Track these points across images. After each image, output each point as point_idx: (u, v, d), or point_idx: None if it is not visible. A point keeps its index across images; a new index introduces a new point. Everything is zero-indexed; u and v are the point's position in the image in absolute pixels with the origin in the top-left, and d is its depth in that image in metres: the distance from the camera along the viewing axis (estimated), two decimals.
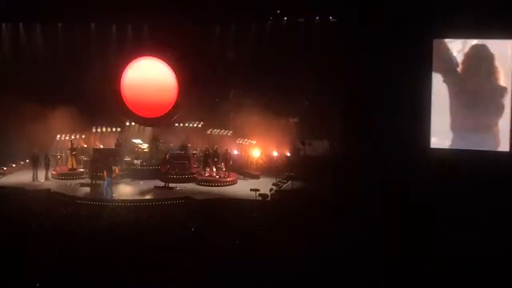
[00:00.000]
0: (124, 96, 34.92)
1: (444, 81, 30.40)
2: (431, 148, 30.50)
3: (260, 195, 28.26)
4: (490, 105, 29.80)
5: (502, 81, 29.54)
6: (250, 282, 17.96)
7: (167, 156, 32.01)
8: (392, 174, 28.03)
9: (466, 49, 30.03)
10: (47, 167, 32.68)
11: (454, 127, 30.30)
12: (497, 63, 29.57)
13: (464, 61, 30.14)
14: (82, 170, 33.37)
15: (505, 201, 24.94)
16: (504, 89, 29.52)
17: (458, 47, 30.09)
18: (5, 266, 18.67)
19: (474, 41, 29.77)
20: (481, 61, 29.84)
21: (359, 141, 30.37)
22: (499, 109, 29.68)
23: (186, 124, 35.85)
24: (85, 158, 33.59)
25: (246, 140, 33.90)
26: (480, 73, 29.95)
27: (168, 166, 31.55)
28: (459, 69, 30.26)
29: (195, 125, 35.72)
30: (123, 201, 29.04)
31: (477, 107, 30.01)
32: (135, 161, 33.70)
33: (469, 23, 28.58)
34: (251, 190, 28.64)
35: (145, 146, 34.35)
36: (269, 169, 32.66)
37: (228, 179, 31.98)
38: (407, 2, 29.32)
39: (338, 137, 32.44)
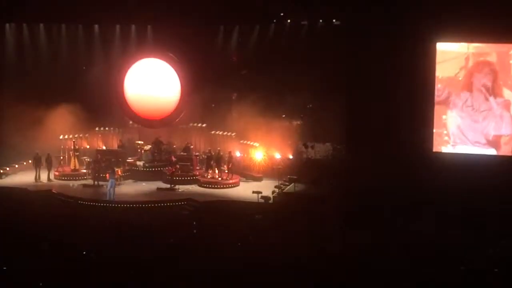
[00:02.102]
0: (126, 97, 34.93)
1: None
2: (434, 152, 30.42)
3: (262, 197, 28.29)
4: (494, 119, 29.66)
5: (506, 95, 29.45)
6: (252, 284, 17.98)
7: (173, 158, 32.10)
8: (394, 177, 27.99)
9: (470, 65, 29.91)
10: (49, 167, 32.72)
11: (457, 140, 30.20)
12: (500, 77, 29.46)
13: (466, 76, 30.04)
14: (84, 171, 33.43)
15: (506, 204, 25.00)
16: (507, 102, 29.39)
17: (460, 64, 29.96)
18: (7, 266, 18.76)
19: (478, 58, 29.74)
20: (484, 77, 29.73)
21: (361, 145, 30.30)
22: (504, 123, 29.57)
23: (190, 125, 35.83)
24: (88, 159, 33.62)
25: (249, 142, 33.85)
26: (484, 88, 29.82)
27: (176, 167, 31.64)
28: (461, 85, 30.20)
29: (198, 125, 35.67)
30: (125, 202, 29.06)
31: (481, 122, 29.88)
32: (138, 163, 33.73)
33: (473, 27, 28.49)
34: (253, 192, 28.68)
35: (148, 147, 34.34)
36: (271, 171, 32.59)
37: (231, 181, 31.98)
38: (410, 6, 29.24)
39: (341, 141, 32.32)
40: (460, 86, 29.97)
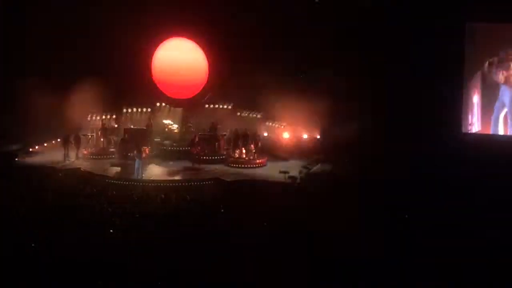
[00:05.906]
0: (155, 76, 35.02)
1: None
2: (463, 133, 30.17)
3: (289, 177, 28.25)
4: None
5: None
6: (277, 264, 17.99)
7: (196, 138, 32.14)
8: (422, 157, 27.80)
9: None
10: (77, 146, 32.96)
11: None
12: None
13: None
14: (112, 150, 33.62)
15: None
16: None
17: None
18: (35, 243, 18.98)
19: None
20: None
21: (388, 124, 30.12)
22: None
23: (217, 106, 35.82)
24: (116, 138, 33.81)
25: (276, 122, 33.79)
26: None
27: (199, 148, 31.70)
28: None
29: (225, 106, 35.65)
30: (152, 181, 29.18)
31: None
32: (165, 142, 33.83)
33: (502, 7, 28.11)
34: (280, 172, 28.65)
35: (175, 126, 34.45)
36: (298, 151, 32.52)
37: (258, 161, 31.98)
38: None
39: (367, 120, 32.11)
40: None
